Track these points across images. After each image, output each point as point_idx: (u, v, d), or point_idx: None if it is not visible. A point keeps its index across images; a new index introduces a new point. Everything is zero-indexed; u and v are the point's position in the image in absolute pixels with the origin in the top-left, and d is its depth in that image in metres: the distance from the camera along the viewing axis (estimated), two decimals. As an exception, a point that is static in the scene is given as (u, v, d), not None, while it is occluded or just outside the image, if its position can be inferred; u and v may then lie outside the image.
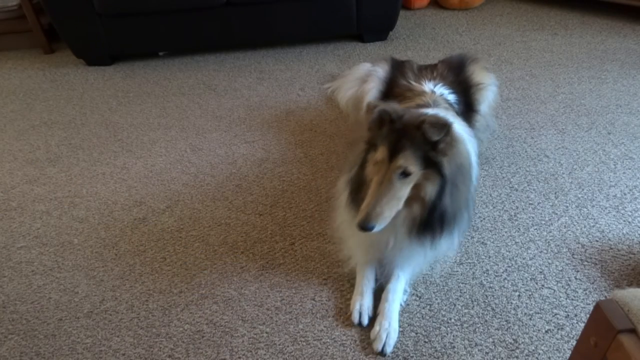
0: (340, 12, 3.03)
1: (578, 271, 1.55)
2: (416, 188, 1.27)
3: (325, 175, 2.05)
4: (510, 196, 1.87)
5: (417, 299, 1.50)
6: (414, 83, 1.84)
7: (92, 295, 1.59)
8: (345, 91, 2.37)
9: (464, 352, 1.33)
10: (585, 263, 1.57)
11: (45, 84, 3.00)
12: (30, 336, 1.48)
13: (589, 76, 2.64)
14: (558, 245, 1.65)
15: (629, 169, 1.96)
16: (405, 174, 1.23)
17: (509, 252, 1.63)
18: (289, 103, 2.62)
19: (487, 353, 1.33)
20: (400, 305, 1.46)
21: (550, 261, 1.59)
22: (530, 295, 1.48)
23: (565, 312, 1.42)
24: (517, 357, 1.31)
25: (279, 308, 1.50)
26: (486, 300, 1.47)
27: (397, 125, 1.24)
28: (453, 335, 1.38)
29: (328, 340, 1.39)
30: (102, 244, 1.80)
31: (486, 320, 1.42)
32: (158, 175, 2.14)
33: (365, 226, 1.23)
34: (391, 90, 1.92)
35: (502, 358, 1.32)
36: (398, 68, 2.03)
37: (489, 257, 1.62)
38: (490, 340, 1.36)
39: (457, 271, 1.58)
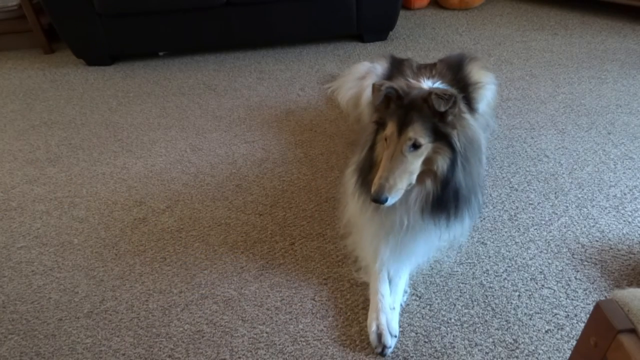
0: (340, 12, 3.03)
1: (578, 271, 1.55)
2: (428, 162, 1.28)
3: (325, 175, 2.05)
4: (510, 196, 1.87)
5: (417, 299, 1.50)
6: (412, 81, 1.84)
7: (92, 295, 1.59)
8: (345, 91, 2.37)
9: (464, 352, 1.33)
10: (585, 263, 1.57)
11: (45, 84, 3.00)
12: (30, 336, 1.48)
13: (589, 76, 2.64)
14: (558, 245, 1.65)
15: (629, 169, 1.96)
16: (416, 146, 1.24)
17: (509, 252, 1.63)
18: (289, 103, 2.62)
19: (487, 353, 1.33)
20: (400, 305, 1.46)
21: (550, 261, 1.59)
22: (530, 295, 1.48)
23: (565, 312, 1.42)
24: (517, 357, 1.31)
25: (279, 308, 1.50)
26: (486, 300, 1.47)
27: (404, 101, 1.26)
28: (453, 335, 1.38)
29: (328, 340, 1.39)
30: (102, 244, 1.80)
31: (486, 320, 1.42)
32: (158, 175, 2.14)
33: (378, 198, 1.22)
34: None
35: (502, 358, 1.32)
36: (397, 66, 2.03)
37: (489, 257, 1.62)
38: (490, 340, 1.36)
39: (457, 271, 1.58)
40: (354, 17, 3.06)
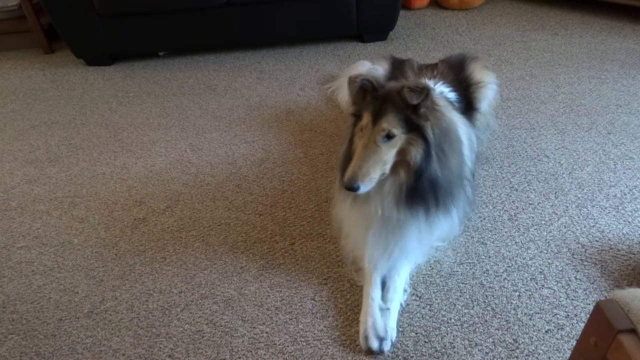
0: (340, 12, 3.03)
1: (578, 271, 1.55)
2: (402, 153, 1.30)
3: (325, 175, 2.05)
4: (510, 196, 1.87)
5: (417, 299, 1.50)
6: None
7: (92, 295, 1.59)
8: (345, 91, 2.36)
9: (464, 352, 1.34)
10: (585, 263, 1.57)
11: (45, 84, 3.00)
12: (30, 336, 1.48)
13: (589, 76, 2.64)
14: (558, 245, 1.65)
15: (629, 169, 1.96)
16: (389, 137, 1.27)
17: (509, 252, 1.63)
18: (289, 103, 2.62)
19: (487, 353, 1.33)
20: (400, 305, 1.46)
21: (550, 261, 1.59)
22: (530, 295, 1.48)
23: (565, 312, 1.42)
24: (517, 357, 1.31)
25: (279, 308, 1.50)
26: (486, 300, 1.47)
27: (379, 92, 1.30)
28: (453, 335, 1.38)
29: (328, 340, 1.39)
30: (102, 244, 1.80)
31: (486, 320, 1.42)
32: (158, 175, 2.14)
33: (351, 185, 1.26)
34: None
35: (502, 358, 1.32)
36: (398, 67, 2.03)
37: (489, 257, 1.62)
38: (490, 340, 1.36)
39: (457, 271, 1.58)
40: (354, 17, 3.06)
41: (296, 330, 1.43)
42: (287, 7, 2.98)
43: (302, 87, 2.76)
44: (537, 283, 1.52)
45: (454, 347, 1.35)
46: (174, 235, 1.81)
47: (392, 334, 1.37)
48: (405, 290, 1.49)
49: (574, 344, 1.04)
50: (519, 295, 1.48)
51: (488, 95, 1.92)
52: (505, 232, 1.71)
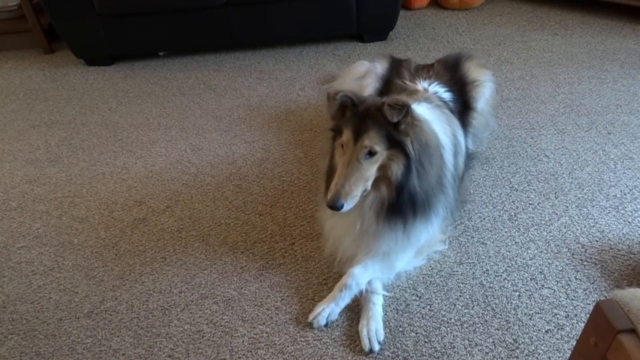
0: (340, 12, 3.03)
1: (578, 271, 1.55)
2: (383, 168, 1.32)
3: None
4: (510, 196, 1.87)
5: (417, 299, 1.50)
6: (408, 83, 1.84)
7: (92, 295, 1.59)
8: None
9: (464, 352, 1.34)
10: (585, 263, 1.57)
11: (45, 84, 3.00)
12: (30, 336, 1.48)
13: (589, 76, 2.64)
14: (558, 245, 1.65)
15: (629, 169, 1.96)
16: (371, 154, 1.29)
17: (509, 252, 1.63)
18: (289, 103, 2.62)
19: (487, 353, 1.33)
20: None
21: (550, 261, 1.59)
22: (530, 295, 1.48)
23: (565, 312, 1.42)
24: (517, 357, 1.31)
25: (279, 308, 1.50)
26: (486, 300, 1.47)
27: (359, 108, 1.30)
28: (453, 335, 1.38)
29: (328, 340, 1.39)
30: (102, 244, 1.80)
31: (486, 320, 1.42)
32: (158, 175, 2.14)
33: (334, 204, 1.27)
34: (388, 90, 1.92)
35: (502, 358, 1.32)
36: (396, 67, 2.03)
37: (489, 257, 1.62)
38: (490, 340, 1.36)
39: (457, 271, 1.58)
40: (354, 17, 3.06)
41: (296, 330, 1.43)
42: (287, 7, 2.98)
43: (302, 87, 2.76)
44: (537, 283, 1.52)
45: (454, 347, 1.35)
46: (174, 235, 1.81)
47: (333, 315, 1.41)
48: (380, 294, 1.48)
49: (574, 344, 1.04)
50: (519, 295, 1.48)
51: (484, 93, 1.92)
52: (505, 232, 1.71)
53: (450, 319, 1.43)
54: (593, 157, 2.04)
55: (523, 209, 1.80)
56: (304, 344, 1.39)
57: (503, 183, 1.93)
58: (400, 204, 1.35)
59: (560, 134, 2.20)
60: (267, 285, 1.58)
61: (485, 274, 1.56)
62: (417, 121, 1.35)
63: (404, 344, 1.37)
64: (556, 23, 3.33)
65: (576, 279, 1.52)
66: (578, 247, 1.63)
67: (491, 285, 1.52)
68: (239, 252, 1.71)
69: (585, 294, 1.47)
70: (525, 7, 3.63)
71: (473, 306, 1.46)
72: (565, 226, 1.72)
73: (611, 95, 2.45)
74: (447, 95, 1.79)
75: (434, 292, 1.51)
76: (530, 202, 1.83)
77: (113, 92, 2.86)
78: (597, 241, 1.65)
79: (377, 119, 1.27)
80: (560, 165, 2.01)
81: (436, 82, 1.81)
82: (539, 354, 1.32)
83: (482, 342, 1.36)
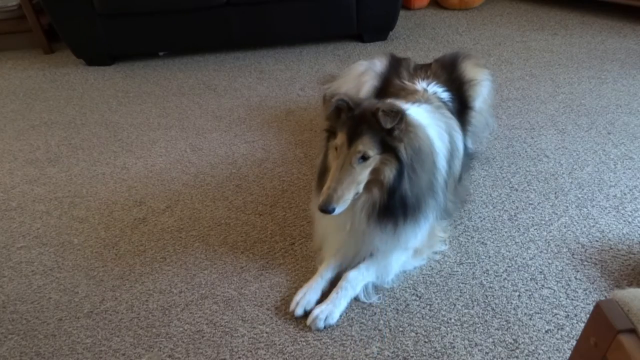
0: (340, 12, 3.03)
1: (578, 271, 1.55)
2: (375, 172, 1.34)
3: (325, 175, 2.05)
4: (510, 196, 1.87)
5: (417, 299, 1.50)
6: (407, 82, 1.84)
7: (92, 295, 1.59)
8: (344, 91, 2.36)
9: (464, 352, 1.33)
10: (585, 263, 1.57)
11: (45, 84, 3.00)
12: (30, 336, 1.48)
13: (589, 76, 2.64)
14: (558, 245, 1.65)
15: (629, 169, 1.96)
16: (364, 158, 1.30)
17: (509, 252, 1.63)
18: (289, 103, 2.62)
19: (487, 353, 1.33)
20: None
21: (550, 261, 1.59)
22: (530, 295, 1.48)
23: (565, 312, 1.42)
24: (517, 357, 1.31)
25: (279, 308, 1.50)
26: (486, 300, 1.47)
27: (355, 112, 1.32)
28: (453, 335, 1.38)
29: (328, 340, 1.39)
30: (102, 244, 1.80)
31: (486, 320, 1.42)
32: (158, 175, 2.14)
33: (326, 208, 1.29)
34: (386, 89, 1.92)
35: (502, 358, 1.32)
36: (395, 67, 2.02)
37: (489, 257, 1.62)
38: (490, 340, 1.36)
39: (457, 271, 1.58)
40: (354, 17, 3.06)
41: (296, 330, 1.43)
42: (287, 7, 2.98)
43: (302, 87, 2.76)
44: (537, 283, 1.52)
45: (454, 347, 1.35)
46: (174, 235, 1.81)
47: (331, 318, 1.41)
48: (356, 290, 1.48)
49: (574, 344, 1.04)
50: (519, 295, 1.48)
51: (482, 92, 1.92)
52: (505, 232, 1.71)
53: (450, 319, 1.43)
54: (593, 157, 2.04)
55: (523, 209, 1.80)
56: (304, 344, 1.39)
57: (503, 183, 1.93)
58: (392, 207, 1.36)
59: (560, 134, 2.20)
60: (267, 285, 1.58)
61: (485, 274, 1.56)
62: (411, 127, 1.36)
63: (404, 344, 1.37)
64: (556, 23, 3.33)
65: (576, 279, 1.52)
66: (578, 247, 1.63)
67: (491, 285, 1.52)
68: (239, 252, 1.71)
69: (585, 294, 1.47)
70: (525, 7, 3.63)
71: (473, 306, 1.46)
72: (565, 226, 1.72)
73: (611, 95, 2.45)
74: (445, 95, 1.79)
75: (434, 292, 1.51)
76: (530, 202, 1.83)
77: (113, 92, 2.86)
78: (597, 241, 1.65)
79: (372, 124, 1.28)
80: (560, 165, 2.01)
81: (434, 82, 1.81)
82: (539, 354, 1.32)
83: (482, 342, 1.36)
